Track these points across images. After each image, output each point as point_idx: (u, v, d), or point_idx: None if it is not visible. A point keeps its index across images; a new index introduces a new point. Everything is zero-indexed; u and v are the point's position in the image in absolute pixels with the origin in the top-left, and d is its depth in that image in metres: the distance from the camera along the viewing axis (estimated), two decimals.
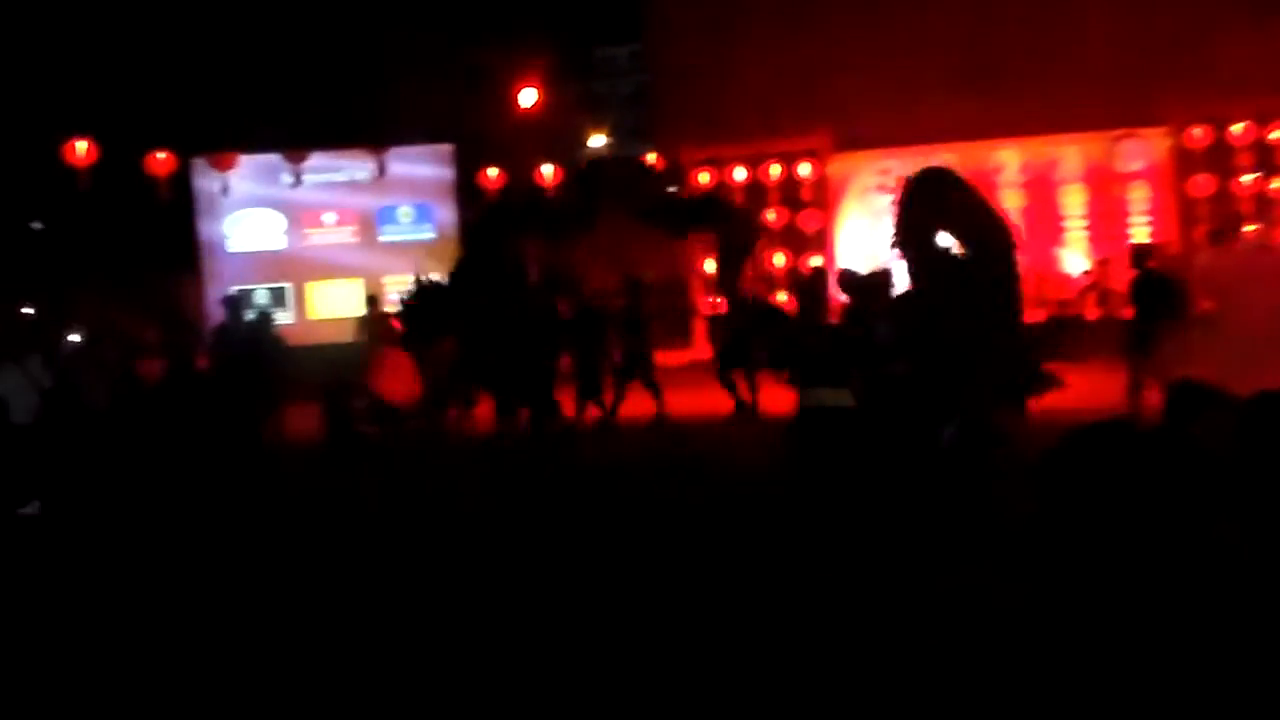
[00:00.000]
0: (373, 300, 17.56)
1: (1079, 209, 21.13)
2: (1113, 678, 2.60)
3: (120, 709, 5.79)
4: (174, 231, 21.80)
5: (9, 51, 22.59)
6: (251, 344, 13.44)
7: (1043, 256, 20.76)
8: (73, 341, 16.11)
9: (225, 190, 21.67)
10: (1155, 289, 12.78)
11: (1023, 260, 8.52)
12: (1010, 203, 21.11)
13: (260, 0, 24.25)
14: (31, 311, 16.91)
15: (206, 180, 21.79)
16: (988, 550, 6.27)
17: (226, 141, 21.67)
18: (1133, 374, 12.13)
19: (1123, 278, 16.09)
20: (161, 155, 20.07)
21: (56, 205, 22.07)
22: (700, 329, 20.61)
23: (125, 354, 13.02)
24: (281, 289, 21.88)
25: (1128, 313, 13.63)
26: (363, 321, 17.06)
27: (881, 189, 21.71)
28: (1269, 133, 20.20)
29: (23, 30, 22.89)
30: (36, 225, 25.61)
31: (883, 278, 8.97)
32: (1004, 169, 21.41)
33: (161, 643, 6.57)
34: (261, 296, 21.31)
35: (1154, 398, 11.39)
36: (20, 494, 9.41)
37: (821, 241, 21.41)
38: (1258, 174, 20.16)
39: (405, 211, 22.28)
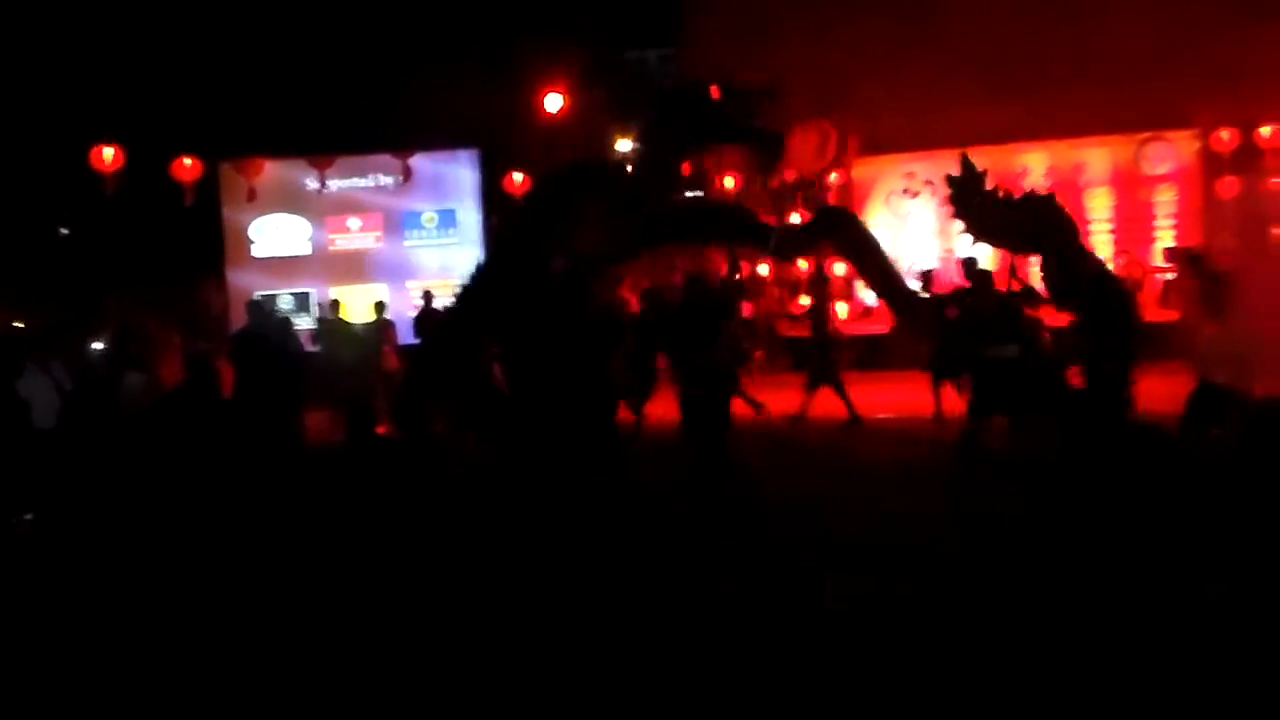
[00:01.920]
0: (380, 306, 17.36)
1: (1105, 212, 21.01)
2: None
3: (134, 708, 5.82)
4: (200, 237, 21.88)
5: (36, 58, 22.74)
6: (274, 348, 13.48)
7: None
8: (97, 346, 16.16)
9: (251, 196, 21.77)
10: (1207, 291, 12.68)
11: None
12: None
13: (286, 5, 24.32)
14: (21, 325, 16.95)
15: (232, 186, 21.90)
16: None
17: (252, 147, 21.76)
18: None
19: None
20: (188, 161, 20.18)
21: (83, 211, 22.21)
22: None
23: (151, 359, 13.07)
24: (306, 294, 21.93)
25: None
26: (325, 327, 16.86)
27: (907, 192, 21.69)
28: None
29: (50, 37, 23.04)
30: (63, 231, 25.76)
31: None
32: (1029, 172, 21.29)
33: (179, 645, 6.59)
34: (286, 301, 21.42)
35: None
36: (41, 498, 9.46)
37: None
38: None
39: (429, 216, 22.31)
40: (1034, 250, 10.14)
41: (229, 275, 22.05)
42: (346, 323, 16.62)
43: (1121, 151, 20.96)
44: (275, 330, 14.33)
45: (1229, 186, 20.11)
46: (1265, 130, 19.98)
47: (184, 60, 23.29)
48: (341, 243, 22.27)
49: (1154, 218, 20.88)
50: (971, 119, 20.07)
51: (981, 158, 21.15)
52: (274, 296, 20.48)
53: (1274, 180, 20.06)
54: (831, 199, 21.60)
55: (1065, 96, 19.81)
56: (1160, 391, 10.55)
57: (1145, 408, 11.04)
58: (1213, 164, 20.42)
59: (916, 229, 21.71)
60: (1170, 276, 19.23)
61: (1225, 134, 20.04)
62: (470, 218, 22.26)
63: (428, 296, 16.95)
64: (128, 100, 22.00)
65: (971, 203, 9.86)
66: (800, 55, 20.83)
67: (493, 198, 21.88)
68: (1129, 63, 19.67)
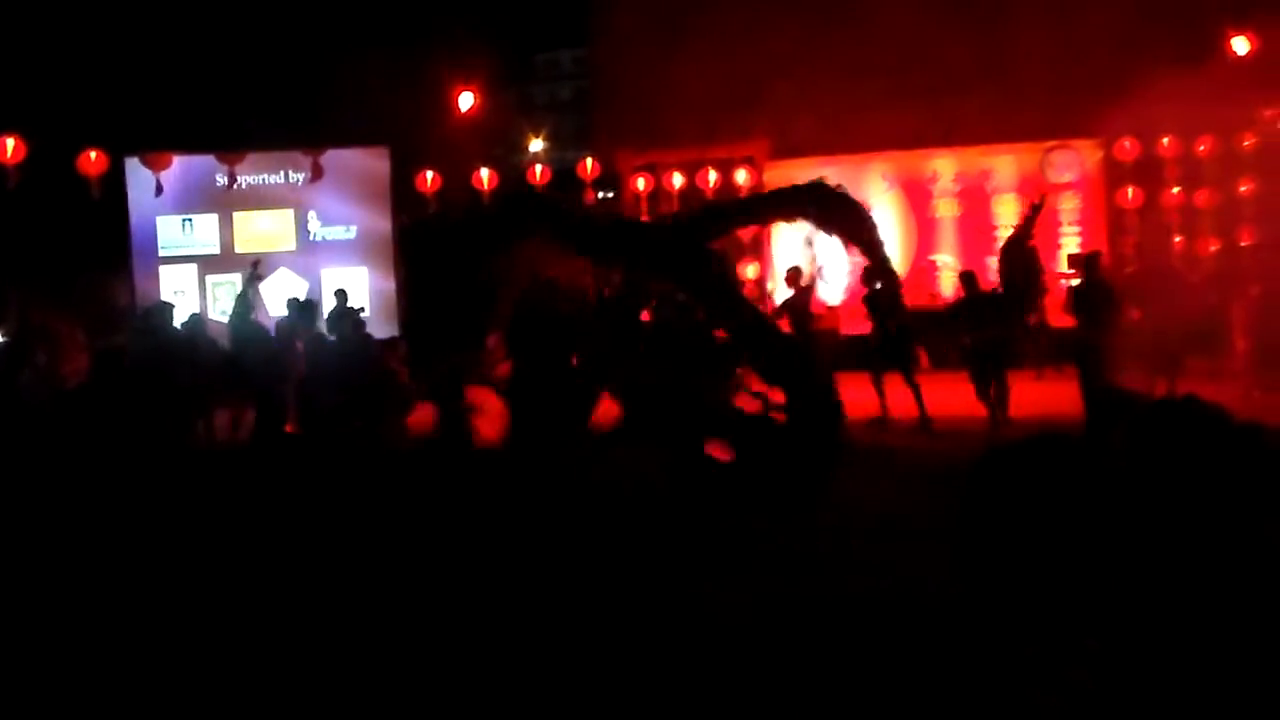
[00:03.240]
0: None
1: (1012, 219, 21.36)
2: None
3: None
4: (106, 232, 21.49)
5: None
6: (171, 347, 13.31)
7: (976, 265, 20.99)
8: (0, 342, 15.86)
9: (158, 190, 21.43)
10: (1098, 297, 13.06)
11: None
12: (944, 211, 21.39)
13: None
14: None
15: (139, 180, 21.54)
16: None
17: (160, 141, 21.42)
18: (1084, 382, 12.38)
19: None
20: (93, 154, 19.83)
21: None
22: None
23: (52, 354, 12.87)
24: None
25: (1066, 321, 14.01)
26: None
27: None
28: (1197, 146, 20.59)
29: None
30: None
31: None
32: (938, 178, 21.67)
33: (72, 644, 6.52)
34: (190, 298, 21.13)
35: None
36: None
37: (758, 249, 21.50)
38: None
39: (340, 213, 22.12)
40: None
41: (135, 271, 21.69)
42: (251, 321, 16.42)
43: (1028, 159, 21.39)
44: (176, 335, 14.12)
45: (1130, 195, 20.61)
46: (1166, 140, 20.50)
47: (91, 50, 22.88)
48: (251, 239, 21.98)
49: (1059, 224, 21.31)
50: (882, 124, 20.39)
51: (891, 163, 21.70)
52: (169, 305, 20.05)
53: (1174, 190, 20.60)
54: None
55: (973, 103, 20.21)
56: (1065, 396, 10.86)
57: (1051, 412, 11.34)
58: (1115, 173, 20.91)
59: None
60: (1074, 283, 19.63)
61: (1128, 143, 20.52)
62: (380, 215, 22.09)
63: (341, 294, 16.80)
64: (32, 90, 21.56)
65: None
66: (711, 58, 21.00)
67: (403, 195, 21.77)
68: (1035, 72, 20.13)
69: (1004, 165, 21.57)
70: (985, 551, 2.74)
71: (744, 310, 9.96)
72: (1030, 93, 20.19)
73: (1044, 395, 14.91)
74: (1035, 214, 14.08)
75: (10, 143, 18.73)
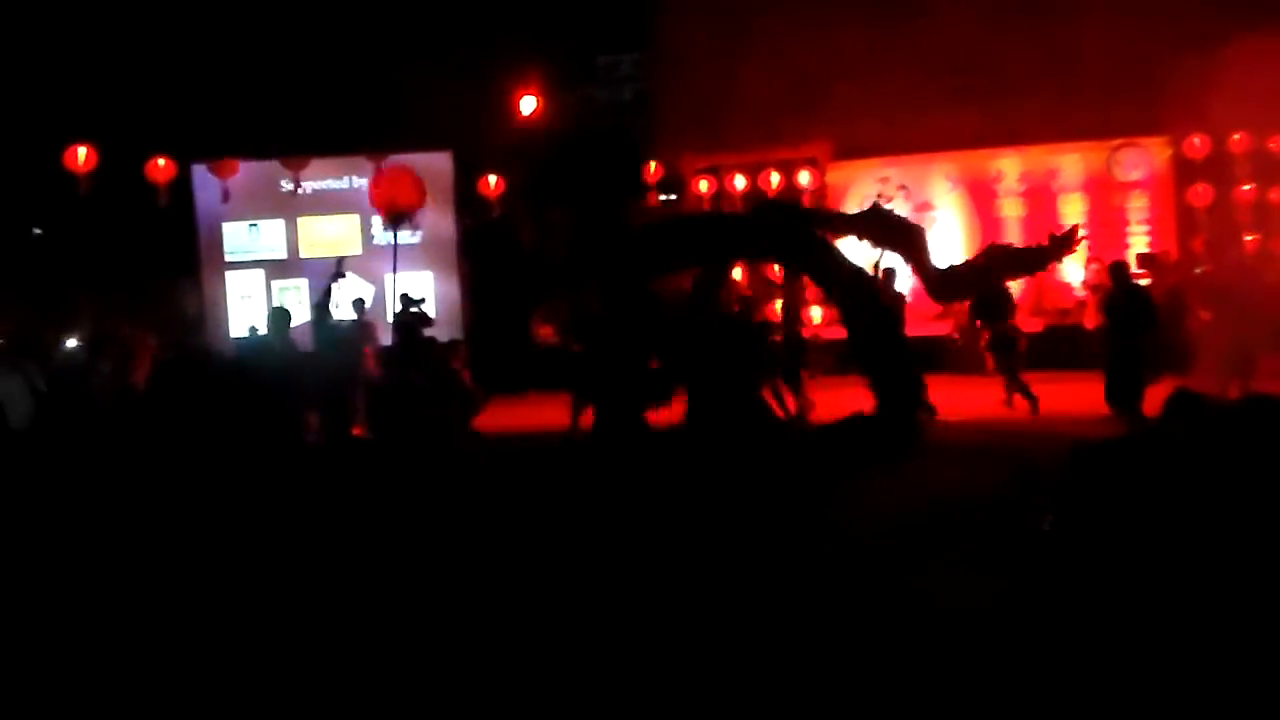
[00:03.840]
0: (360, 305, 17.35)
1: (1078, 218, 21.09)
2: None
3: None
4: (173, 238, 21.76)
5: (9, 57, 22.58)
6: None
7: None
8: (70, 347, 16.09)
9: (225, 196, 21.67)
10: (1131, 304, 12.80)
11: None
12: (1009, 211, 21.16)
13: (260, 6, 24.23)
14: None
15: (206, 187, 21.78)
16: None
17: (226, 148, 21.65)
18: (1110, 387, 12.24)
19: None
20: (161, 162, 20.08)
21: (57, 211, 22.05)
22: None
23: (122, 360, 13.00)
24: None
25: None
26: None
27: (881, 197, 21.69)
28: (1269, 141, 20.23)
29: (23, 36, 22.89)
30: (37, 231, 25.59)
31: None
32: (1003, 177, 21.45)
33: (162, 643, 6.57)
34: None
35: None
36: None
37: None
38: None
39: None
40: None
41: (203, 276, 21.95)
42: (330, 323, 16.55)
43: (1094, 158, 21.11)
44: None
45: (1201, 194, 20.28)
46: (1237, 137, 20.16)
47: (158, 60, 23.17)
48: (316, 243, 22.14)
49: (1127, 224, 21.03)
50: (945, 124, 20.21)
51: (955, 163, 21.49)
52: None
53: (1245, 188, 20.25)
54: (805, 203, 21.65)
55: (1039, 102, 19.97)
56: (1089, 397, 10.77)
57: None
58: (1185, 171, 20.59)
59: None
60: (1145, 283, 19.37)
61: (1198, 140, 20.21)
62: (444, 219, 22.18)
63: (406, 298, 16.89)
64: (102, 100, 21.88)
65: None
66: (773, 60, 20.90)
67: (467, 199, 21.87)
68: (1102, 69, 19.83)
69: (1070, 164, 21.30)
70: (1075, 545, 2.70)
71: (875, 297, 9.97)
72: (1096, 90, 19.91)
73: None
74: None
75: (82, 151, 19.03)
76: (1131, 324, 12.52)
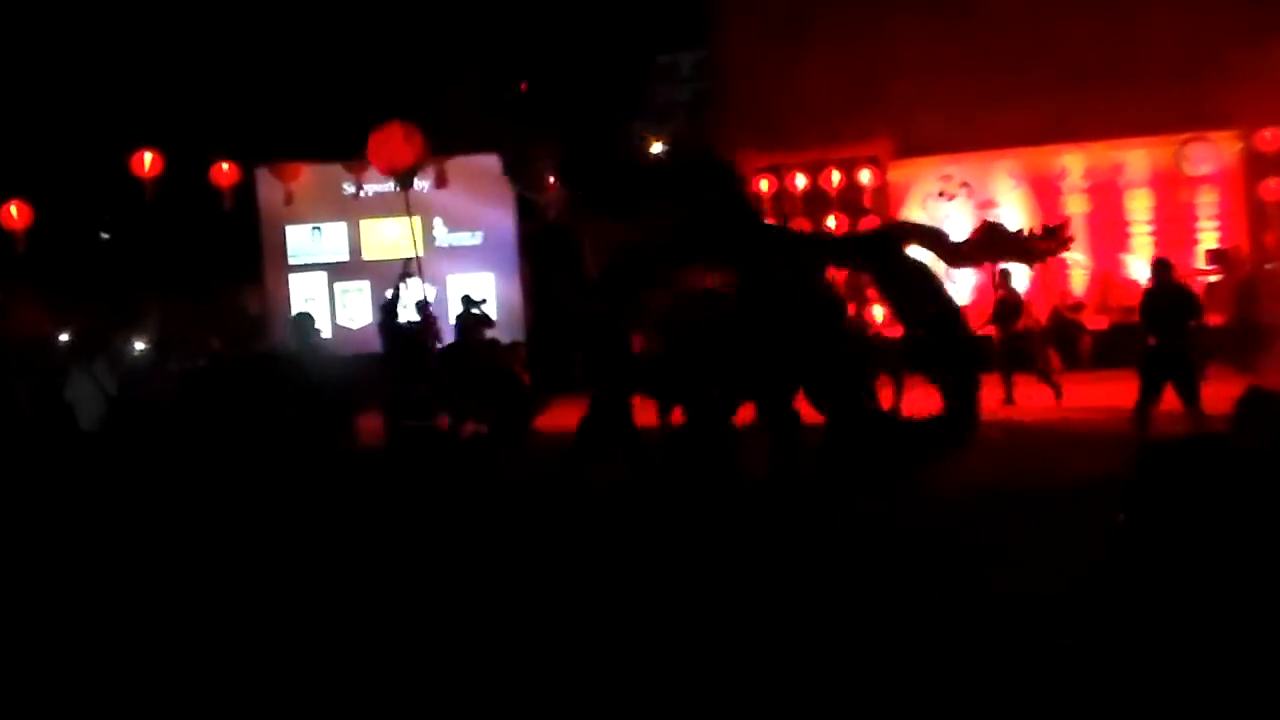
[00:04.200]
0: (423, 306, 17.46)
1: (1145, 214, 20.83)
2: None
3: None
4: (237, 241, 22.00)
5: (76, 64, 22.92)
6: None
7: (1108, 262, 20.49)
8: (138, 350, 16.30)
9: (288, 200, 21.87)
10: (1169, 303, 12.40)
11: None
12: (1074, 208, 20.89)
13: (322, 11, 24.41)
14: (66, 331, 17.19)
15: (270, 190, 22.00)
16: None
17: (289, 152, 21.85)
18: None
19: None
20: (225, 166, 20.30)
21: (124, 216, 22.37)
22: None
23: (189, 362, 13.17)
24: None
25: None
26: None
27: (943, 195, 21.53)
28: None
29: (89, 43, 23.21)
30: (104, 235, 25.95)
31: None
32: (1068, 174, 21.17)
33: (228, 643, 6.63)
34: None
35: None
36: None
37: None
38: None
39: (465, 218, 22.33)
40: None
41: (267, 279, 22.17)
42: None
43: (1162, 152, 20.77)
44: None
45: (1273, 188, 19.94)
46: None
47: (221, 65, 23.41)
48: (378, 245, 22.29)
49: (1196, 219, 20.69)
50: (1008, 120, 19.95)
51: (1018, 159, 21.24)
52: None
53: None
54: (867, 202, 21.55)
55: (1103, 97, 19.63)
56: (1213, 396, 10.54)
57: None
58: (1256, 164, 20.24)
59: (953, 231, 21.51)
60: (1213, 279, 19.09)
61: (1269, 134, 19.87)
62: (506, 220, 22.26)
63: (467, 300, 16.98)
64: (167, 106, 22.14)
65: None
66: (833, 57, 20.76)
67: (528, 201, 21.88)
68: (1169, 62, 19.47)
69: (1136, 159, 20.97)
70: (1144, 546, 2.65)
71: (941, 302, 10.04)
72: (1163, 83, 19.54)
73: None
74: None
75: (148, 157, 19.27)
76: (1174, 325, 12.15)
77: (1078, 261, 20.61)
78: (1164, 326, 12.14)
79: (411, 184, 17.43)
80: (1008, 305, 16.46)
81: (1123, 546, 4.23)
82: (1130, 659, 4.49)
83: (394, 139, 16.72)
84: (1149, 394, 12.02)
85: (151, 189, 19.42)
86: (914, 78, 20.30)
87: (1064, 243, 10.37)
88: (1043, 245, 10.26)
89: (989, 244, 10.54)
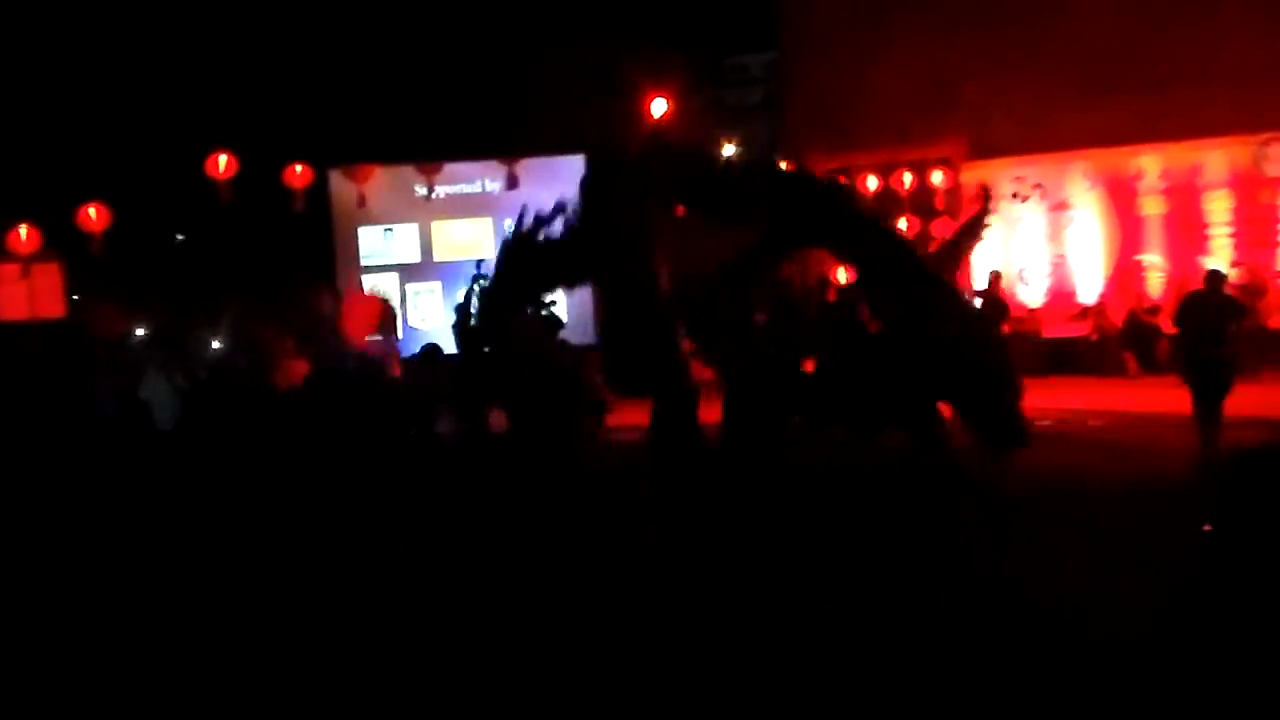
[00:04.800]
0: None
1: (1224, 215, 20.45)
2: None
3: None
4: (311, 242, 22.20)
5: (152, 68, 23.25)
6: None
7: (1186, 265, 20.16)
8: (214, 350, 16.47)
9: (361, 202, 22.05)
10: (1210, 311, 12.07)
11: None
12: (1151, 209, 20.59)
13: (395, 13, 24.60)
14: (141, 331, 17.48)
15: (343, 192, 22.19)
16: None
17: (362, 154, 22.03)
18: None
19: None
20: (299, 168, 20.49)
21: (198, 217, 22.65)
22: None
23: (263, 363, 13.28)
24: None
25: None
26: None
27: (1017, 196, 21.27)
28: None
29: (166, 47, 23.55)
30: (179, 237, 26.29)
31: None
32: (1144, 175, 20.86)
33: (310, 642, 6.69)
34: None
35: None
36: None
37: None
38: None
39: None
40: None
41: (340, 281, 22.35)
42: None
43: (1240, 153, 20.40)
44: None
45: None
46: None
47: (295, 68, 23.66)
48: (449, 247, 22.41)
49: (1276, 221, 20.30)
50: (1083, 121, 19.71)
51: (1093, 161, 20.96)
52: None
53: None
54: (939, 205, 21.38)
55: (1180, 97, 19.31)
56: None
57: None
58: None
59: (1026, 233, 21.33)
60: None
61: None
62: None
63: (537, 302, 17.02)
64: (241, 109, 22.41)
65: None
66: (904, 58, 20.62)
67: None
68: (1247, 60, 19.14)
69: (1214, 160, 20.60)
70: (1239, 559, 2.61)
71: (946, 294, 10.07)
72: (1241, 83, 19.20)
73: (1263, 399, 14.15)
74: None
75: (222, 159, 19.48)
76: (1214, 336, 11.86)
77: (1154, 264, 20.32)
78: (1202, 335, 11.90)
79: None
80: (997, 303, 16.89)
81: (1216, 559, 4.11)
82: (1224, 672, 4.39)
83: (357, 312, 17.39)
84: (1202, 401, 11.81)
85: (226, 191, 19.64)
86: (986, 79, 20.13)
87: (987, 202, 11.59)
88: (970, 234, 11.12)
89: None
